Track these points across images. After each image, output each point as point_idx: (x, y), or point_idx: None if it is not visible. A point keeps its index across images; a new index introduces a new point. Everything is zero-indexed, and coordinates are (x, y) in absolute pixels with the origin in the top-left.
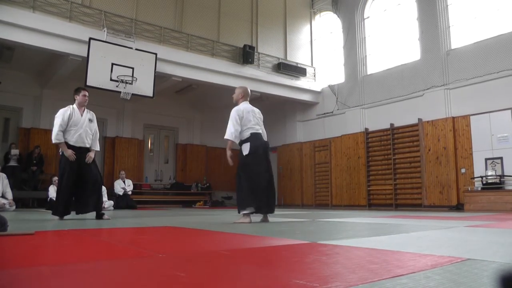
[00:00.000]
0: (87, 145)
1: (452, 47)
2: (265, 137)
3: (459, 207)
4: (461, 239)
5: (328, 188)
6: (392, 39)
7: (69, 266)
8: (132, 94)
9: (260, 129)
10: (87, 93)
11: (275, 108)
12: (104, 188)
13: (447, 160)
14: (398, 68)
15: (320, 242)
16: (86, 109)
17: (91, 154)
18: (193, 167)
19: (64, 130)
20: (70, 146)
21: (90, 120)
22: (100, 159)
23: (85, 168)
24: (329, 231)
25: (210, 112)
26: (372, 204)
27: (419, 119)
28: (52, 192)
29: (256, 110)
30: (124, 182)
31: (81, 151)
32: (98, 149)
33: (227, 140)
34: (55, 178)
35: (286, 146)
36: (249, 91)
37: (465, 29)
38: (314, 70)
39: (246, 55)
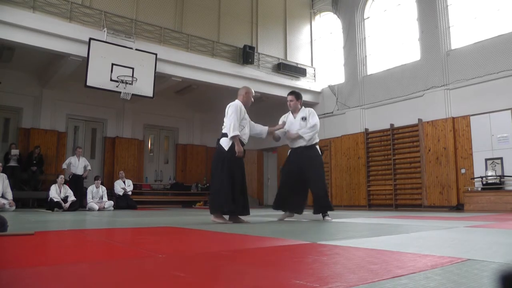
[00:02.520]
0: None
1: (452, 48)
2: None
3: (459, 208)
4: (461, 240)
5: (328, 189)
6: (392, 39)
7: (69, 266)
8: (132, 94)
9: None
10: (289, 98)
11: (275, 109)
12: (104, 188)
13: (447, 161)
14: (398, 68)
15: (320, 242)
16: (302, 108)
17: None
18: (193, 168)
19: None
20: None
21: (304, 118)
22: (100, 159)
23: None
24: (329, 232)
25: (210, 112)
26: (372, 204)
27: (419, 120)
28: (53, 192)
29: None
30: (124, 182)
31: None
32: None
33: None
34: (61, 177)
35: (286, 147)
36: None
37: (465, 30)
38: (314, 70)
39: (246, 56)
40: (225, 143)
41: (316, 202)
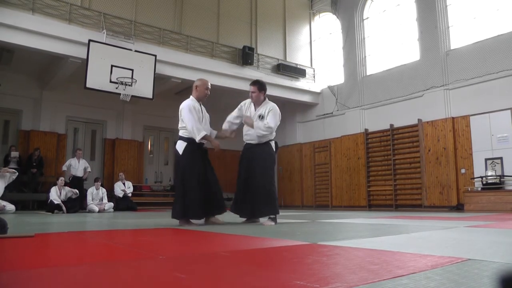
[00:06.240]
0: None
1: (452, 48)
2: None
3: (459, 208)
4: (461, 239)
5: (328, 189)
6: (391, 39)
7: (70, 268)
8: (132, 95)
9: None
10: (251, 89)
11: None
12: (104, 190)
13: (447, 161)
14: (397, 68)
15: (321, 243)
16: (266, 102)
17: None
18: None
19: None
20: None
21: (261, 117)
22: (100, 161)
23: None
24: (329, 232)
25: (209, 113)
26: (372, 204)
27: (419, 120)
28: (54, 194)
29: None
30: (124, 184)
31: None
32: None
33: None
34: (61, 179)
35: (286, 147)
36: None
37: (464, 30)
38: (314, 71)
39: (245, 56)
40: (179, 147)
41: (260, 202)
